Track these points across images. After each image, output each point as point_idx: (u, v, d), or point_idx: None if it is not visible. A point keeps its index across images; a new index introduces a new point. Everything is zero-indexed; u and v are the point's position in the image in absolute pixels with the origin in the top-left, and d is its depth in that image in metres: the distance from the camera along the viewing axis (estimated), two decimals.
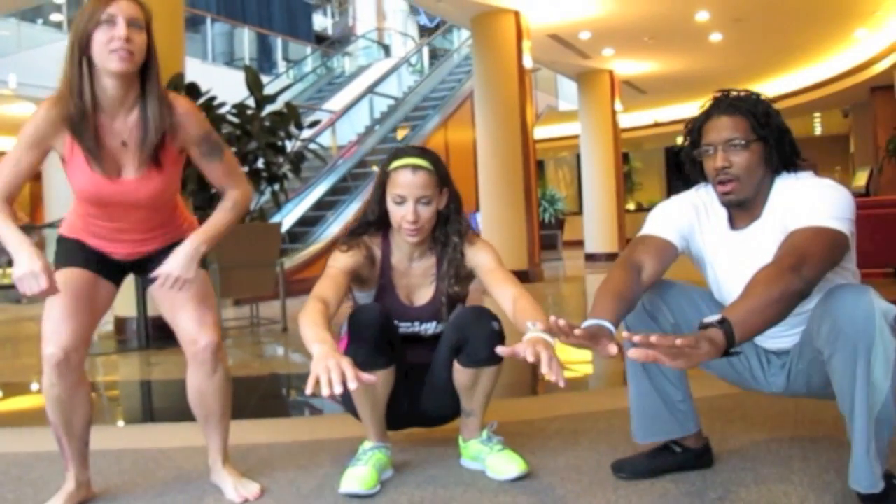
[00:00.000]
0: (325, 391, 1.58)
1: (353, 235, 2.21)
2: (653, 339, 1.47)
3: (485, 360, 2.07)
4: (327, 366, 1.61)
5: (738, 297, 1.64)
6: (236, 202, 2.08)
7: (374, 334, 2.03)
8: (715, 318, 1.58)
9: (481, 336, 2.06)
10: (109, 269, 2.07)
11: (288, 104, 6.14)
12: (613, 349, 1.63)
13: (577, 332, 1.62)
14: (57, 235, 2.10)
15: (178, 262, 1.93)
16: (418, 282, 2.25)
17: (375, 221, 2.21)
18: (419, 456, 2.34)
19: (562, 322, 1.61)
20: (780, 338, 1.94)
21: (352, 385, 1.59)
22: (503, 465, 2.10)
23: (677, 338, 1.49)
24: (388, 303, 2.20)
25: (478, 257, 2.21)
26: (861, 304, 1.66)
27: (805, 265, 1.64)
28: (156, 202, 2.01)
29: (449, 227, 2.21)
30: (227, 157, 2.09)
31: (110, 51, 1.83)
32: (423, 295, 2.24)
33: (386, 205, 2.16)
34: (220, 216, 2.05)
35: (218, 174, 2.08)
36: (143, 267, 2.10)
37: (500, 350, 1.77)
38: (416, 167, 2.11)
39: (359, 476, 2.03)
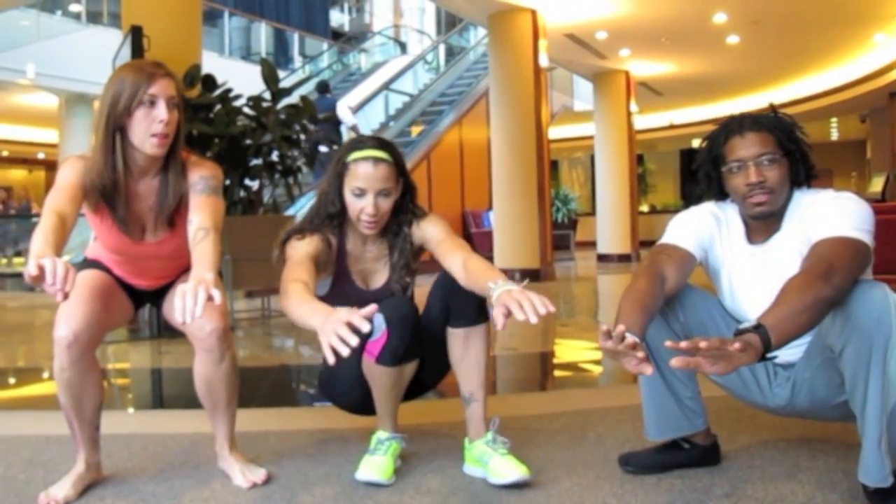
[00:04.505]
0: (343, 351, 1.56)
1: (312, 228, 2.16)
2: (702, 344, 1.48)
3: (473, 315, 2.05)
4: (333, 330, 1.59)
5: (770, 304, 1.65)
6: (211, 227, 1.92)
7: (411, 327, 2.03)
8: (750, 323, 1.60)
9: (464, 291, 2.01)
10: (130, 290, 2.17)
11: (303, 97, 6.17)
12: (649, 369, 1.62)
13: (627, 341, 1.61)
14: (82, 258, 2.18)
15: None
16: (372, 267, 2.23)
17: (337, 214, 2.17)
18: (426, 446, 2.35)
19: (604, 328, 1.62)
20: (788, 349, 1.94)
21: (365, 328, 1.58)
22: (505, 468, 2.00)
23: (724, 342, 1.50)
24: (345, 288, 2.19)
25: (426, 231, 2.18)
26: (876, 297, 1.67)
27: (834, 274, 1.66)
28: (174, 255, 2.10)
29: (401, 217, 2.20)
30: (220, 201, 2.03)
31: (151, 134, 1.92)
32: (378, 279, 2.23)
33: (344, 195, 2.13)
34: (209, 246, 1.87)
35: (202, 204, 1.99)
36: (160, 294, 2.21)
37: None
38: (377, 159, 2.09)
39: (378, 465, 2.05)
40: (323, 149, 8.04)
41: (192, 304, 1.61)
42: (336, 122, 8.89)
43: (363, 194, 2.09)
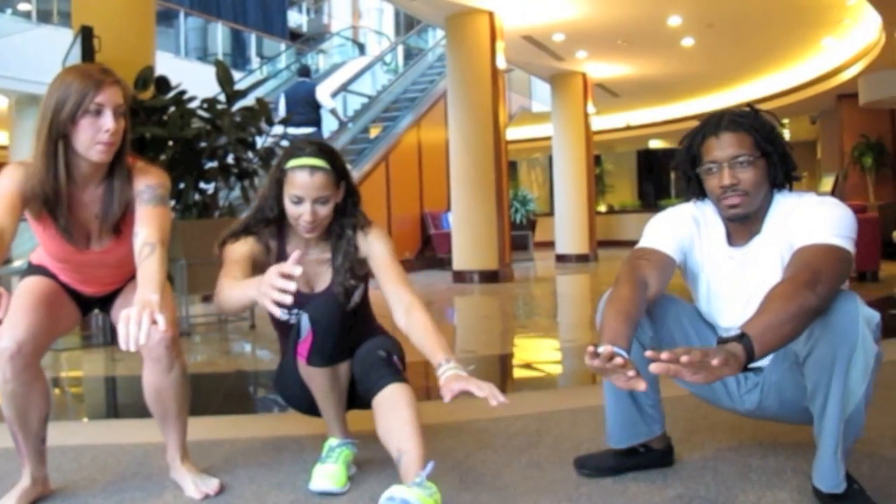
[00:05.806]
0: (286, 299, 1.60)
1: (247, 231, 2.17)
2: (683, 358, 1.43)
3: (387, 375, 1.98)
4: (270, 284, 1.62)
5: (754, 313, 1.61)
6: (157, 242, 1.89)
7: (336, 326, 2.01)
8: (734, 333, 1.57)
9: (371, 365, 2.02)
10: (77, 297, 2.11)
11: (259, 100, 6.10)
12: (642, 385, 1.57)
13: (615, 361, 1.56)
14: (27, 263, 2.13)
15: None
16: (315, 270, 2.21)
17: (275, 219, 2.18)
18: (381, 451, 2.32)
19: (596, 349, 1.57)
20: None
21: (297, 271, 1.61)
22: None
23: (705, 354, 1.46)
24: None
25: (372, 248, 2.18)
26: (845, 308, 1.66)
27: (819, 282, 1.63)
28: (121, 262, 2.04)
29: (344, 220, 2.19)
30: (166, 211, 2.00)
31: (96, 142, 1.86)
32: (322, 282, 2.21)
33: (283, 201, 2.12)
34: (154, 264, 1.85)
35: (148, 215, 1.95)
36: (109, 300, 2.17)
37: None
38: (313, 168, 2.07)
39: (330, 473, 2.03)
40: (307, 130, 8.12)
41: (136, 330, 1.58)
42: (316, 106, 8.84)
43: (301, 202, 2.08)
